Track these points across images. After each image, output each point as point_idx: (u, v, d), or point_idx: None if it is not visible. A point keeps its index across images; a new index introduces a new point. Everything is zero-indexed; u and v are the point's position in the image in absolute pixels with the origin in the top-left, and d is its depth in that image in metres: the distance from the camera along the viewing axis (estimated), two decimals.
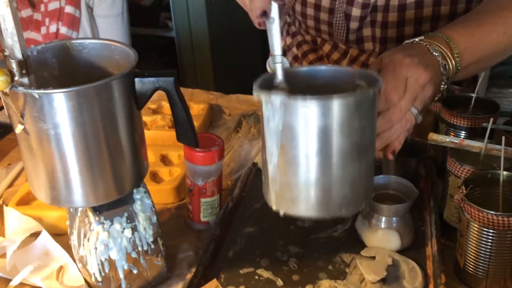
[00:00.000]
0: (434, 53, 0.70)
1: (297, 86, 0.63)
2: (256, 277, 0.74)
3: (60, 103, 0.57)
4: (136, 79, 0.62)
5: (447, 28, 0.75)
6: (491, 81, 2.27)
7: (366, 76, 0.62)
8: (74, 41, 0.67)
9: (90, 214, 0.67)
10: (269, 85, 0.62)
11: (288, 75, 0.63)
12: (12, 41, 0.55)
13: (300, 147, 0.58)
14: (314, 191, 0.59)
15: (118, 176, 0.64)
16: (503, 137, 0.70)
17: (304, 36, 1.16)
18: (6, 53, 0.56)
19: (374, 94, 0.58)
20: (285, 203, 0.62)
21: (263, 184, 0.63)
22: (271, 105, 0.57)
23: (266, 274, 0.74)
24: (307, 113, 0.56)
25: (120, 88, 0.60)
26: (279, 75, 0.63)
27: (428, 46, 0.71)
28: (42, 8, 1.57)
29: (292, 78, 0.64)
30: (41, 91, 0.56)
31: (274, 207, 0.63)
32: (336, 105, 0.56)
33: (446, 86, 0.73)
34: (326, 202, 0.60)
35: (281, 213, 0.62)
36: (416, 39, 0.72)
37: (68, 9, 1.58)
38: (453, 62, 0.72)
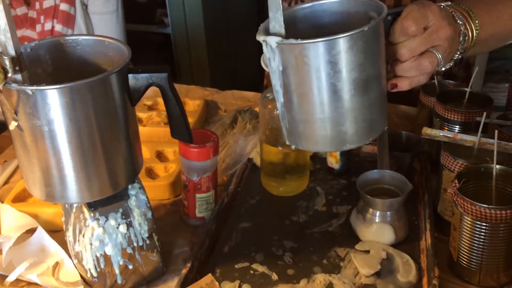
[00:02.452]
0: (458, 21, 0.70)
1: (303, 27, 0.65)
2: (251, 271, 0.74)
3: (53, 100, 0.57)
4: (130, 75, 0.62)
5: (469, 0, 0.75)
6: (487, 76, 2.27)
7: (373, 6, 0.63)
8: (67, 38, 0.67)
9: (85, 210, 0.67)
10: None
11: (290, 16, 0.64)
12: (5, 37, 0.55)
13: (300, 85, 0.60)
14: (318, 126, 0.62)
15: (112, 172, 0.64)
16: (496, 131, 0.71)
17: None
18: None
19: (372, 28, 0.59)
20: (295, 138, 0.65)
21: (281, 124, 0.67)
22: (270, 47, 0.60)
23: (261, 268, 0.74)
24: (301, 52, 0.58)
25: (113, 84, 0.61)
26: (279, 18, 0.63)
27: (453, 12, 0.71)
28: (37, 5, 1.57)
29: (296, 19, 0.65)
30: (35, 87, 0.56)
31: (287, 142, 0.67)
32: (329, 45, 0.57)
33: (460, 57, 0.72)
34: (332, 136, 0.62)
35: (292, 147, 0.66)
36: (442, 4, 0.72)
37: (63, 6, 1.57)
38: (472, 34, 0.72)
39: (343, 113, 0.61)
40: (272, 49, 0.60)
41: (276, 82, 0.63)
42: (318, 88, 0.60)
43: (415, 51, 0.66)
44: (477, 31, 0.72)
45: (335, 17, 0.68)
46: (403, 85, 0.67)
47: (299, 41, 0.58)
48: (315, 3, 0.69)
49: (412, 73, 0.67)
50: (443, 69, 0.69)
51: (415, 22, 0.65)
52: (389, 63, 0.67)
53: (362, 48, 0.59)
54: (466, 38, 0.72)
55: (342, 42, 0.57)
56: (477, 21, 0.72)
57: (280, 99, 0.63)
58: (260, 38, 0.61)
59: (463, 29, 0.71)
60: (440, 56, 0.67)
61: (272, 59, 0.61)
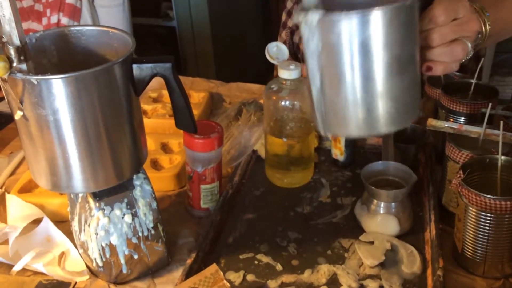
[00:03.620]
0: (478, 19, 0.71)
1: (336, 9, 0.63)
2: (256, 262, 0.74)
3: (58, 89, 0.57)
4: (134, 65, 0.62)
5: None
6: (493, 69, 2.26)
7: None
8: (72, 28, 0.67)
9: (90, 200, 0.67)
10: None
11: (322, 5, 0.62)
12: (10, 27, 0.55)
13: (341, 64, 0.59)
14: (358, 109, 0.60)
15: (117, 162, 0.65)
16: (501, 122, 0.70)
17: None
18: (4, 40, 0.56)
19: (410, 5, 0.58)
20: (331, 125, 0.63)
21: (312, 112, 0.65)
22: (309, 25, 0.58)
23: (265, 259, 0.75)
24: (344, 28, 0.57)
25: (118, 74, 0.61)
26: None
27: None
28: None
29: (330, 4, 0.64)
30: (40, 77, 0.57)
31: (322, 132, 0.65)
32: (372, 17, 0.57)
33: (473, 53, 0.72)
34: (371, 119, 0.61)
35: (329, 135, 0.65)
36: None
37: None
38: (485, 31, 0.73)
39: (380, 94, 0.60)
40: (311, 27, 0.58)
41: (313, 65, 0.61)
42: (358, 67, 0.59)
43: (446, 38, 0.67)
44: (489, 27, 0.73)
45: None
46: (438, 69, 0.68)
47: (344, 14, 0.57)
48: None
49: (444, 58, 0.67)
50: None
51: (445, 11, 0.66)
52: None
53: (404, 22, 0.58)
54: (479, 35, 0.73)
55: (386, 13, 0.57)
56: (489, 21, 0.73)
57: (316, 83, 0.62)
58: (299, 17, 0.59)
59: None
60: (470, 46, 0.68)
61: (311, 39, 0.59)
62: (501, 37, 0.82)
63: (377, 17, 0.57)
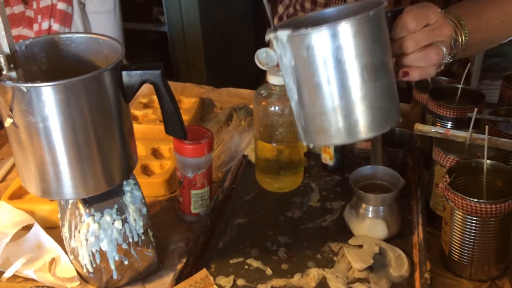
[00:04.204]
0: (451, 24, 0.72)
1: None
2: (246, 266, 0.75)
3: (48, 97, 0.58)
4: (124, 72, 0.63)
5: (457, 8, 0.78)
6: (483, 74, 2.28)
7: (372, 4, 0.64)
8: (62, 36, 0.68)
9: (80, 206, 0.68)
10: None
11: (293, 26, 0.65)
12: None
13: (314, 76, 0.61)
14: (336, 117, 0.62)
15: (107, 168, 0.65)
16: (487, 127, 0.72)
17: (298, 14, 1.16)
18: None
19: (374, 16, 0.61)
20: (311, 136, 0.66)
21: (294, 126, 0.67)
22: (280, 42, 0.61)
23: (255, 263, 0.75)
24: (313, 41, 0.60)
25: (107, 81, 0.61)
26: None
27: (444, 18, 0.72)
28: (34, 5, 1.57)
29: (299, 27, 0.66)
30: (29, 84, 0.57)
31: (304, 143, 0.67)
32: (339, 29, 0.59)
33: (450, 61, 0.75)
34: (349, 126, 0.63)
35: (311, 146, 0.68)
36: None
37: (60, 5, 1.58)
38: (462, 40, 0.75)
39: (356, 101, 0.62)
40: (283, 44, 0.61)
41: (289, 79, 0.63)
42: (331, 77, 0.61)
43: (420, 43, 0.68)
44: (466, 38, 0.75)
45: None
46: (414, 74, 0.69)
47: (310, 29, 0.59)
48: (315, 13, 0.71)
49: (420, 63, 0.69)
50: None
51: (415, 18, 0.67)
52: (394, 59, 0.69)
53: (369, 32, 0.61)
54: (457, 43, 0.74)
55: (351, 26, 0.59)
56: (466, 28, 0.75)
57: (294, 96, 0.64)
58: (270, 35, 0.62)
59: (454, 35, 0.73)
60: (444, 49, 0.69)
61: (283, 55, 0.62)
62: (485, 46, 0.84)
63: (343, 29, 0.59)
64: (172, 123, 0.68)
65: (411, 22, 0.67)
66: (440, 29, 0.69)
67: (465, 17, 0.75)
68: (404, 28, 0.67)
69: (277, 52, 0.63)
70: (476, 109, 0.77)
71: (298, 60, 0.61)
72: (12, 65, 0.57)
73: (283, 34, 0.61)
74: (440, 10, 0.70)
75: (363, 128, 0.63)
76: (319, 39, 0.60)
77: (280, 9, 1.26)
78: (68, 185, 0.64)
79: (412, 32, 0.67)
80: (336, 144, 0.70)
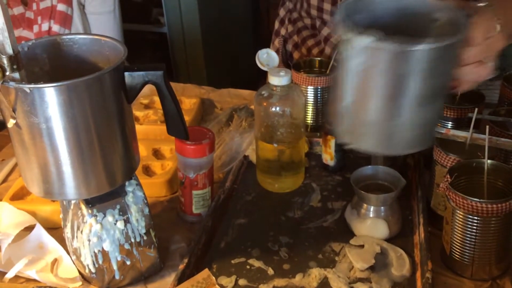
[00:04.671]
0: (505, 36, 0.70)
1: (359, 19, 0.62)
2: (248, 266, 0.75)
3: (50, 97, 0.58)
4: (126, 73, 0.63)
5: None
6: None
7: (449, 12, 0.61)
8: (64, 37, 0.68)
9: (83, 206, 0.68)
10: (347, 22, 0.60)
11: (351, 8, 0.62)
12: (2, 36, 0.56)
13: (378, 88, 0.58)
14: (384, 132, 0.61)
15: (109, 169, 0.65)
16: (487, 127, 0.72)
17: (304, 19, 1.16)
18: None
19: (462, 38, 0.58)
20: (355, 139, 0.64)
21: (332, 116, 0.65)
22: (355, 46, 0.56)
23: (257, 263, 0.75)
24: (394, 58, 0.56)
25: (110, 82, 0.61)
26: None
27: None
28: (34, 6, 1.57)
29: (355, 12, 0.63)
30: (32, 85, 0.57)
31: (341, 140, 0.65)
32: (425, 51, 0.55)
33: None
34: (396, 141, 0.61)
35: (349, 147, 0.65)
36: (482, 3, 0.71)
37: (60, 7, 1.58)
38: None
39: (415, 120, 0.60)
40: (357, 48, 0.57)
41: (348, 81, 0.60)
42: (402, 93, 0.58)
43: (475, 58, 0.67)
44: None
45: (388, 12, 0.65)
46: (463, 88, 0.69)
47: (397, 44, 0.55)
48: None
49: (469, 77, 0.68)
50: None
51: (482, 34, 0.65)
52: None
53: (453, 56, 0.58)
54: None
55: (444, 49, 0.56)
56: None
57: (347, 99, 0.61)
58: (345, 35, 0.57)
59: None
60: (492, 66, 0.68)
61: (353, 58, 0.58)
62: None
63: (431, 51, 0.56)
64: (174, 123, 0.68)
65: (478, 37, 0.65)
66: (495, 44, 0.68)
67: (501, 11, 0.71)
68: (468, 41, 0.65)
69: (344, 51, 0.59)
70: (476, 109, 0.77)
71: (369, 69, 0.57)
72: (15, 66, 0.58)
73: (364, 40, 0.56)
74: (497, 20, 0.68)
75: (402, 146, 0.62)
76: (402, 57, 0.55)
77: (282, 12, 1.26)
78: (70, 185, 0.64)
79: (477, 45, 0.65)
80: (370, 152, 0.67)
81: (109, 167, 0.65)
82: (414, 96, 0.58)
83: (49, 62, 0.68)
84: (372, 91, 0.59)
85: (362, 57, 0.57)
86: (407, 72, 0.57)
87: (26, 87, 0.57)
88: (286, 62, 1.24)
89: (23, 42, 0.65)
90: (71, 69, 0.68)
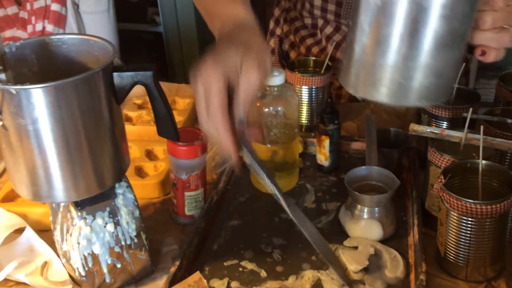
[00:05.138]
0: None
1: None
2: (240, 269, 0.74)
3: (37, 99, 0.57)
4: (115, 74, 0.62)
5: None
6: (479, 73, 2.28)
7: None
8: (53, 37, 0.67)
9: (72, 209, 0.67)
10: None
11: None
12: None
13: (396, 26, 0.56)
14: (400, 76, 0.58)
15: (99, 171, 0.64)
16: (482, 127, 0.71)
17: (304, 19, 1.16)
18: None
19: None
20: (366, 87, 0.61)
21: (343, 69, 0.62)
22: None
23: (250, 266, 0.75)
24: None
25: (98, 82, 0.61)
26: None
27: None
28: (28, 6, 1.56)
29: None
30: (18, 86, 0.56)
31: (352, 91, 0.62)
32: None
33: None
34: (409, 89, 0.59)
35: (359, 97, 0.62)
36: None
37: (54, 6, 1.57)
38: None
39: (426, 65, 0.58)
40: None
41: (365, 19, 0.58)
42: (420, 32, 0.56)
43: (497, 23, 0.64)
44: None
45: None
46: (491, 55, 0.66)
47: None
48: None
49: (493, 44, 0.65)
50: None
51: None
52: None
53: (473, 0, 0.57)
54: None
55: None
56: None
57: (362, 39, 0.59)
58: None
59: None
60: None
61: None
62: None
63: None
64: (165, 125, 0.68)
65: (499, 1, 0.62)
66: None
67: None
68: (490, 3, 0.63)
69: None
70: (471, 109, 0.76)
71: (387, 3, 0.56)
72: (1, 67, 0.57)
73: None
74: None
75: (418, 95, 0.59)
76: None
77: (277, 11, 1.25)
78: (59, 188, 0.63)
79: (496, 10, 0.63)
80: (383, 102, 0.64)
81: (99, 169, 0.64)
82: (432, 35, 0.57)
83: (37, 63, 0.67)
84: (390, 29, 0.57)
85: None
86: (427, 5, 0.55)
87: (12, 88, 0.56)
88: (282, 61, 1.24)
89: (10, 42, 0.64)
90: (60, 69, 0.67)
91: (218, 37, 0.69)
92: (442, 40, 0.57)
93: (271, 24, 1.26)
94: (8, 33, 1.54)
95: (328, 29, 1.13)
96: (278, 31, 1.25)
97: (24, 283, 0.73)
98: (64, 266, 0.73)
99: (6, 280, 0.73)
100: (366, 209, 0.77)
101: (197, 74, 0.63)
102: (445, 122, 0.86)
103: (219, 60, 0.62)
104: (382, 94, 0.60)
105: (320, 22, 1.13)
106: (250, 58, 0.63)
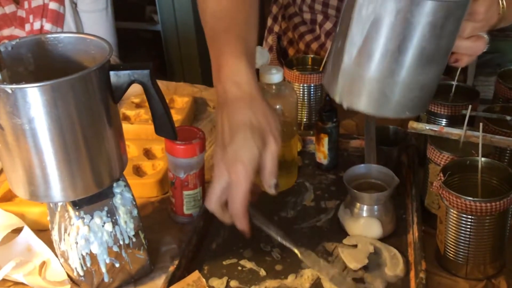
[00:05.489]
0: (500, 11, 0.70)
1: None
2: (239, 268, 0.74)
3: (33, 98, 0.57)
4: (111, 72, 0.62)
5: None
6: (478, 70, 2.27)
7: None
8: (49, 36, 0.66)
9: (70, 209, 0.67)
10: None
11: None
12: None
13: (387, 40, 0.57)
14: (386, 88, 0.59)
15: (96, 170, 0.64)
16: (481, 124, 0.71)
17: (303, 14, 1.15)
18: None
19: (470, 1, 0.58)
20: (351, 96, 0.62)
21: (328, 74, 0.63)
22: None
23: (249, 264, 0.74)
24: (408, 8, 0.56)
25: (95, 81, 0.60)
26: None
27: None
28: (26, 5, 1.56)
29: None
30: (14, 86, 0.56)
31: (337, 99, 0.63)
32: (443, 5, 0.56)
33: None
34: (394, 101, 0.60)
35: (345, 106, 0.63)
36: None
37: (52, 5, 1.56)
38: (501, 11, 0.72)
39: (419, 80, 0.59)
40: None
41: (357, 32, 0.59)
42: (407, 49, 0.57)
43: (475, 32, 0.66)
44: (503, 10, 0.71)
45: None
46: (464, 61, 0.68)
47: None
48: None
49: (469, 52, 0.68)
50: None
51: (487, 10, 0.65)
52: None
53: (459, 17, 0.58)
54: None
55: (454, 6, 0.56)
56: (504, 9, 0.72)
57: (353, 52, 0.60)
58: None
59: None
60: (488, 39, 0.68)
61: (365, 6, 0.57)
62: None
63: (442, 5, 0.56)
64: (162, 123, 0.67)
65: (483, 13, 0.65)
66: (493, 19, 0.67)
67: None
68: (471, 15, 0.64)
69: (358, 0, 0.58)
70: (470, 106, 0.76)
71: (380, 19, 0.57)
72: None
73: None
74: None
75: (406, 107, 0.61)
76: (419, 7, 0.55)
77: (275, 9, 1.25)
78: (56, 187, 0.63)
79: (478, 20, 0.65)
80: (370, 113, 0.65)
81: (96, 168, 0.64)
82: (418, 52, 0.58)
83: (34, 62, 0.67)
84: (378, 44, 0.58)
85: (376, 5, 0.57)
86: (415, 23, 0.56)
87: (8, 87, 0.56)
88: (280, 58, 1.23)
89: (6, 41, 0.64)
90: (57, 68, 0.66)
91: (223, 102, 0.71)
92: (426, 56, 0.59)
93: (269, 21, 1.26)
94: (6, 31, 1.54)
95: (328, 25, 1.13)
96: (276, 28, 1.24)
97: (22, 283, 0.72)
98: (62, 266, 0.73)
99: (4, 280, 0.73)
100: (365, 207, 0.77)
101: (223, 161, 0.68)
102: (444, 120, 0.85)
103: (241, 155, 0.67)
104: (366, 105, 0.61)
105: (320, 17, 1.13)
106: (268, 140, 0.68)
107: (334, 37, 0.64)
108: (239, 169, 0.66)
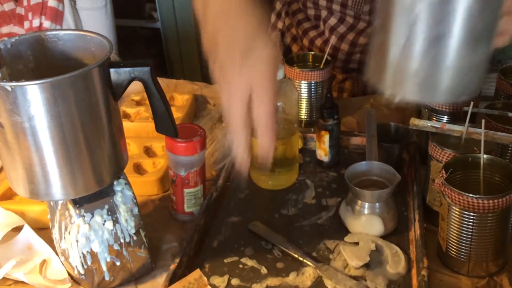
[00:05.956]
0: None
1: None
2: (241, 266, 0.74)
3: (33, 95, 0.56)
4: (112, 70, 0.61)
5: None
6: None
7: None
8: (48, 33, 0.66)
9: (70, 207, 0.66)
10: None
11: None
12: None
13: (434, 25, 0.56)
14: (438, 75, 0.58)
15: (96, 168, 0.64)
16: (483, 121, 0.70)
17: (307, 10, 1.15)
18: None
19: None
20: (403, 89, 0.60)
21: (374, 71, 0.61)
22: None
23: (250, 262, 0.74)
24: None
25: (95, 78, 0.60)
26: None
27: None
28: (25, 2, 1.55)
29: None
30: (14, 83, 0.55)
31: (388, 93, 0.61)
32: None
33: None
34: (447, 87, 0.58)
35: (397, 99, 0.61)
36: None
37: (51, 2, 1.56)
38: None
39: (470, 61, 0.57)
40: None
41: (402, 22, 0.57)
42: (455, 30, 0.55)
43: None
44: None
45: None
46: (505, 38, 0.67)
47: None
48: None
49: (509, 26, 0.65)
50: None
51: None
52: None
53: None
54: None
55: None
56: None
57: (400, 41, 0.58)
58: None
59: None
60: None
61: None
62: None
63: None
64: (163, 121, 0.67)
65: None
66: None
67: None
68: None
69: None
70: (472, 103, 0.76)
71: (425, 5, 0.55)
72: None
73: None
74: None
75: (452, 90, 0.58)
76: None
77: (278, 5, 1.24)
78: (57, 185, 0.63)
79: None
80: (418, 101, 0.63)
81: (96, 166, 0.64)
82: (466, 32, 0.56)
83: (33, 59, 0.66)
84: (425, 30, 0.56)
85: None
86: (462, 4, 0.54)
87: (8, 85, 0.55)
88: (284, 55, 1.23)
89: (5, 39, 0.64)
90: (57, 66, 0.66)
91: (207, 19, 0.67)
92: (474, 35, 0.56)
93: (273, 18, 1.25)
94: (5, 29, 1.53)
95: (332, 20, 1.12)
96: (280, 25, 1.23)
97: (23, 282, 0.72)
98: (63, 264, 0.73)
99: (4, 279, 0.73)
100: (366, 205, 0.77)
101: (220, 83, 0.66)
102: (446, 116, 0.85)
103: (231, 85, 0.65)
104: (421, 94, 0.59)
105: (324, 13, 1.13)
106: (257, 88, 0.64)
107: (372, 34, 0.62)
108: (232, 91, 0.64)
